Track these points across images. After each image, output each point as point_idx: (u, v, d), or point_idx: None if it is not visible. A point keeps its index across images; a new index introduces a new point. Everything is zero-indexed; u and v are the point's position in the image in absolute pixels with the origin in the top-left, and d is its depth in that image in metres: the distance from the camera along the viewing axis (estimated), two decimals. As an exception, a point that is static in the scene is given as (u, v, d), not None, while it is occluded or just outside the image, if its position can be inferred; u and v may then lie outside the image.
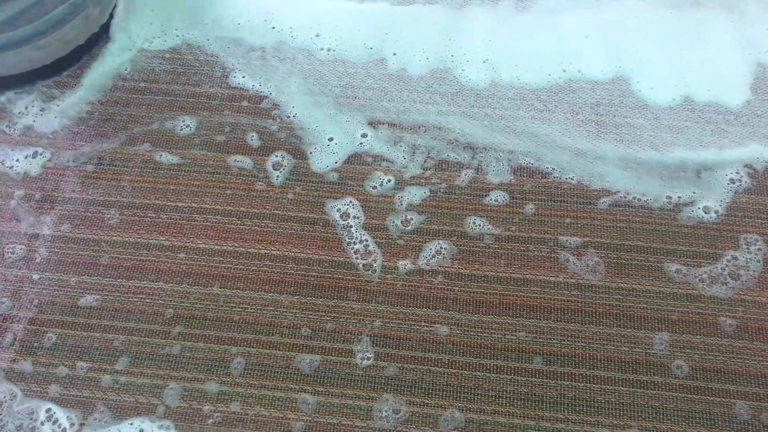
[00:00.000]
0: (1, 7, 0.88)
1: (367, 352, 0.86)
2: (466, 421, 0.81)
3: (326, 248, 0.93)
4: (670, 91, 1.02)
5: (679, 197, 0.94)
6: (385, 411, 0.82)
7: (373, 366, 0.85)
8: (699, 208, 0.93)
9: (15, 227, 0.97)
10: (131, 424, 0.83)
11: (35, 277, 0.94)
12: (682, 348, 0.84)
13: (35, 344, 0.89)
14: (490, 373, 0.84)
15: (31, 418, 0.85)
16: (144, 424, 0.83)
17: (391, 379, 0.84)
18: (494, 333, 0.86)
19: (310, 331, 0.88)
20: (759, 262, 0.89)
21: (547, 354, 0.85)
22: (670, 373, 0.82)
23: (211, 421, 0.83)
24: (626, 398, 0.81)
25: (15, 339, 0.89)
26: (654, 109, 1.01)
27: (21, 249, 0.95)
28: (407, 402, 0.83)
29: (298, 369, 0.86)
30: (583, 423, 0.80)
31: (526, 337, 0.86)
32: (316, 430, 0.82)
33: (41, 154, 1.02)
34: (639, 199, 0.94)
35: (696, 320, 0.85)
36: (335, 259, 0.93)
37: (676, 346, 0.84)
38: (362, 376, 0.85)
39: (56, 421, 0.84)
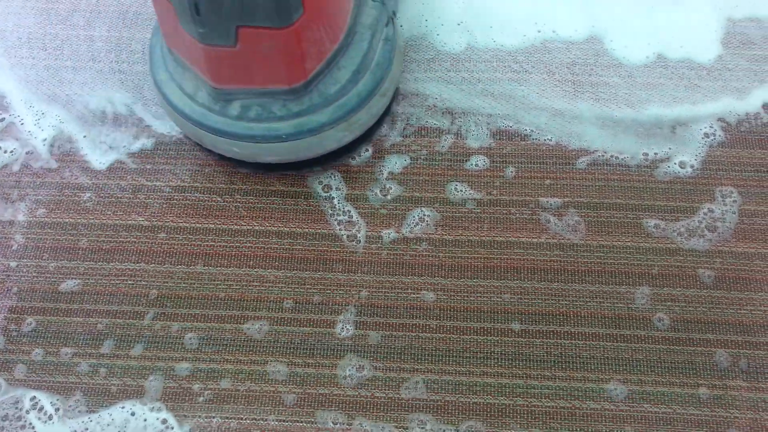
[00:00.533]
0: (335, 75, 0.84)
1: (353, 322, 0.86)
2: (455, 384, 0.82)
3: (309, 221, 0.93)
4: (643, 49, 1.03)
5: (656, 153, 0.95)
6: (373, 377, 0.83)
7: (361, 335, 0.86)
8: (675, 164, 0.94)
9: (-12, 215, 0.95)
10: (122, 407, 0.83)
11: (12, 264, 0.92)
12: (662, 301, 0.86)
13: (16, 332, 0.87)
14: (477, 335, 0.85)
15: (16, 408, 0.84)
16: (135, 407, 0.83)
17: (379, 347, 0.85)
18: (480, 296, 0.87)
19: (297, 304, 0.88)
20: (734, 213, 0.91)
21: (531, 314, 0.86)
22: (652, 326, 0.84)
23: (201, 399, 0.83)
24: (611, 353, 0.83)
25: (-4, 328, 0.88)
26: (628, 67, 1.02)
27: (-4, 237, 0.94)
28: (397, 368, 0.84)
29: (287, 342, 0.86)
30: (569, 379, 0.82)
31: (511, 298, 0.87)
32: (308, 401, 0.82)
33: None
34: (616, 157, 0.95)
35: (675, 273, 0.87)
36: (319, 231, 0.93)
37: (657, 300, 0.86)
38: (351, 345, 0.85)
39: (42, 408, 0.83)
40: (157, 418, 0.82)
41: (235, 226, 0.93)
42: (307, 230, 0.93)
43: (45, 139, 1.00)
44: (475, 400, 0.81)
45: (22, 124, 1.02)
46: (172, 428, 0.81)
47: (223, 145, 0.89)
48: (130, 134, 1.01)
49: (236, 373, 0.84)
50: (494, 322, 0.86)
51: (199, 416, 0.82)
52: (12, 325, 0.88)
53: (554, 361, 0.83)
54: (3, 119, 1.02)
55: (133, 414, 0.83)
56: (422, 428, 0.80)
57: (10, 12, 1.12)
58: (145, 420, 0.82)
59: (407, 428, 0.80)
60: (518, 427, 0.80)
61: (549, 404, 0.81)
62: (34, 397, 0.84)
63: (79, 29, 1.11)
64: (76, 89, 1.05)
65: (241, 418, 0.82)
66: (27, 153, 0.99)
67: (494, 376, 0.83)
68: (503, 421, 0.80)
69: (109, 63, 1.07)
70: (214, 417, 0.82)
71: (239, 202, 0.95)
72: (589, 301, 0.86)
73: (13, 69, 1.07)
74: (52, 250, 0.93)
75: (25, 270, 0.92)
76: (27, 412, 0.83)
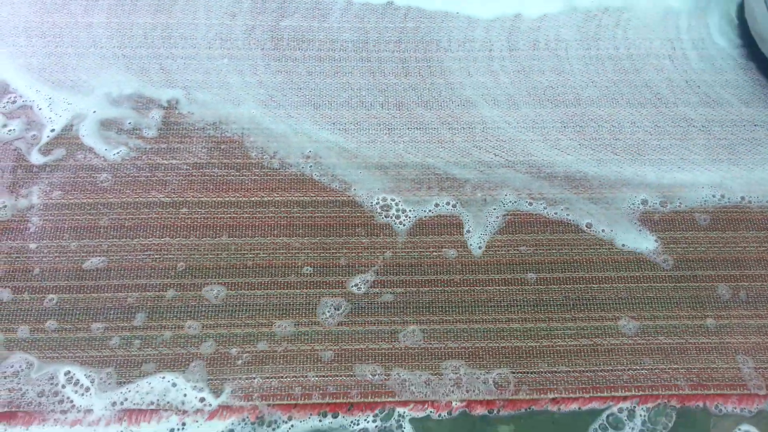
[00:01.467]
0: None
1: (379, 282, 0.90)
2: (483, 331, 0.87)
3: (329, 189, 0.96)
4: None
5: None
6: (408, 332, 0.87)
7: (389, 293, 0.89)
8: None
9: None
10: (163, 377, 0.84)
11: (32, 246, 0.92)
12: (667, 244, 0.93)
13: (45, 311, 0.87)
14: (499, 286, 0.90)
15: (51, 383, 0.84)
16: (175, 378, 0.84)
17: (409, 303, 0.89)
18: (499, 250, 0.92)
19: (324, 268, 0.91)
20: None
21: (548, 263, 0.91)
22: (659, 267, 0.91)
23: (240, 362, 0.85)
24: (623, 293, 0.89)
25: (22, 309, 0.87)
26: None
27: (13, 219, 0.93)
28: (427, 321, 0.88)
29: (317, 304, 0.89)
30: (589, 319, 0.88)
31: (528, 250, 0.93)
32: (345, 357, 0.85)
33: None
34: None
35: (675, 218, 0.95)
36: (339, 198, 0.96)
37: (662, 243, 0.93)
38: (379, 302, 0.89)
39: (77, 382, 0.83)
40: (194, 387, 0.83)
41: (256, 198, 0.96)
42: (327, 198, 0.96)
43: (55, 124, 1.00)
44: (504, 344, 0.86)
45: (32, 109, 1.01)
46: (210, 405, 0.82)
47: None
48: (141, 116, 1.02)
49: (272, 336, 0.87)
50: (514, 273, 0.91)
51: (240, 378, 0.84)
52: (38, 304, 0.88)
53: (572, 305, 0.89)
54: (13, 103, 1.01)
55: (174, 385, 0.83)
56: (456, 373, 0.84)
57: (3, 1, 1.12)
58: (185, 395, 0.83)
59: (442, 375, 0.84)
60: (546, 366, 0.85)
61: (572, 343, 0.86)
62: (69, 371, 0.84)
63: (77, 17, 1.11)
64: (82, 74, 1.05)
65: (282, 377, 0.84)
66: (36, 137, 0.99)
67: (519, 321, 0.88)
68: (531, 361, 0.85)
69: (112, 48, 1.08)
70: (254, 377, 0.84)
71: (257, 176, 0.97)
72: (600, 248, 0.92)
73: (12, 58, 1.06)
74: (72, 230, 0.93)
75: (46, 251, 0.91)
76: (63, 386, 0.83)
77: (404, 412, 0.82)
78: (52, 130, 1.00)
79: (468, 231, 0.93)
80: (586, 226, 0.93)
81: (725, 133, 1.01)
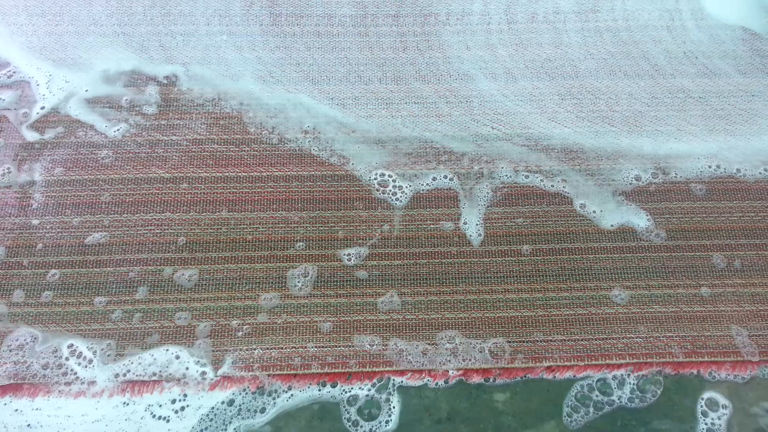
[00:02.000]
0: None
1: (377, 254, 0.91)
2: (480, 301, 0.88)
3: (327, 164, 0.97)
4: None
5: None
6: (402, 302, 0.88)
7: (387, 266, 0.90)
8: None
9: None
10: (167, 350, 0.86)
11: (35, 222, 0.93)
12: (661, 214, 0.93)
13: (48, 286, 0.89)
14: (496, 257, 0.91)
15: (55, 356, 0.85)
16: (178, 351, 0.85)
17: (406, 274, 0.90)
18: (495, 223, 0.93)
19: (322, 241, 0.92)
20: (718, 135, 0.99)
21: (544, 234, 0.92)
22: (654, 237, 0.92)
23: (240, 333, 0.86)
24: (619, 263, 0.90)
25: (25, 283, 0.89)
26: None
27: (13, 196, 0.94)
28: (424, 292, 0.89)
29: (317, 276, 0.90)
30: (584, 289, 0.89)
31: (524, 221, 0.93)
32: (344, 328, 0.87)
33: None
34: (608, 92, 1.02)
35: (670, 189, 0.95)
36: (337, 173, 0.97)
37: (656, 213, 0.93)
38: (377, 275, 0.90)
39: (81, 354, 0.85)
40: (197, 362, 0.85)
41: (256, 173, 0.97)
42: (325, 172, 0.97)
43: (56, 101, 1.01)
44: (500, 314, 0.87)
45: (33, 86, 1.02)
46: (211, 376, 0.84)
47: None
48: (141, 93, 1.02)
49: (272, 308, 0.88)
50: (510, 245, 0.92)
51: (240, 349, 0.85)
52: (41, 279, 0.89)
53: (568, 275, 0.90)
54: (11, 80, 1.02)
55: (178, 357, 0.85)
56: (452, 343, 0.86)
57: (3, -19, 1.12)
58: (187, 368, 0.84)
59: (438, 345, 0.86)
60: (541, 335, 0.86)
61: (568, 312, 0.87)
62: (72, 344, 0.86)
63: (76, -5, 1.11)
64: (81, 53, 1.06)
65: (281, 348, 0.86)
66: (38, 114, 1.00)
67: (515, 292, 0.89)
68: (527, 330, 0.86)
69: (111, 26, 1.09)
70: (254, 348, 0.86)
71: (256, 151, 0.98)
72: (597, 218, 0.93)
73: (13, 36, 1.07)
74: (74, 206, 0.94)
75: (48, 226, 0.93)
76: (66, 359, 0.85)
77: (402, 381, 0.84)
78: (42, 107, 1.01)
79: (465, 204, 0.94)
80: (580, 206, 0.93)
81: (722, 104, 1.01)
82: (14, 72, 1.03)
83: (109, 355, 0.85)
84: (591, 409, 0.82)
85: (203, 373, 0.84)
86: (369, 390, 0.83)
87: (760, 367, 0.84)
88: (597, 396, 0.82)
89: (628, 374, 0.83)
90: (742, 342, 0.85)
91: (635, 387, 0.83)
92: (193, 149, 0.98)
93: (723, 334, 0.86)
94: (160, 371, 0.84)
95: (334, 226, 0.93)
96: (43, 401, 0.82)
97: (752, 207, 0.93)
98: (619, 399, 0.82)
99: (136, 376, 0.84)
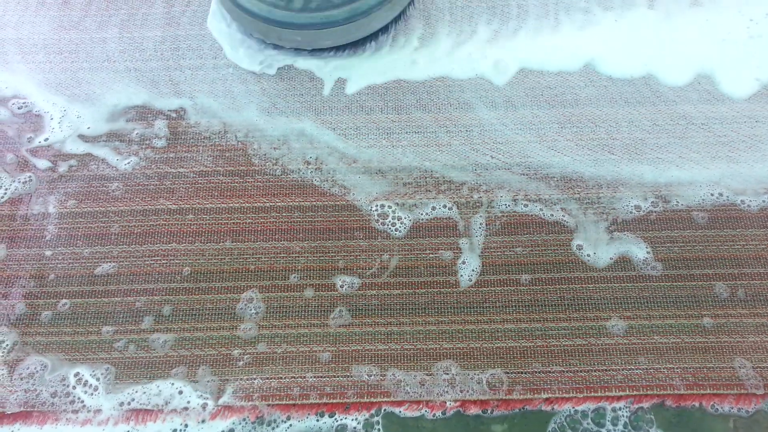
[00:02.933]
0: None
1: (377, 283, 0.92)
2: (479, 332, 0.88)
3: (328, 195, 0.99)
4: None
5: (645, 113, 1.02)
6: (400, 332, 0.89)
7: (386, 295, 0.91)
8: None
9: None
10: (172, 384, 0.87)
11: (48, 253, 0.97)
12: (662, 243, 0.92)
13: (57, 316, 0.92)
14: (495, 287, 0.91)
15: (63, 384, 0.88)
16: (183, 386, 0.87)
17: (405, 304, 0.90)
18: (494, 252, 0.93)
19: (323, 271, 0.94)
20: (721, 161, 0.98)
21: (543, 263, 0.92)
22: (655, 266, 0.91)
23: (241, 363, 0.88)
24: (619, 293, 0.90)
25: (36, 313, 0.92)
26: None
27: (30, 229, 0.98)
28: (422, 322, 0.89)
29: (317, 306, 0.91)
30: (583, 319, 0.88)
31: (523, 251, 0.93)
32: (342, 358, 0.88)
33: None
34: (610, 119, 1.02)
35: (672, 217, 0.94)
36: (338, 203, 0.98)
37: (657, 242, 0.93)
38: (377, 305, 0.91)
39: (87, 382, 0.88)
40: (199, 395, 0.86)
41: (259, 204, 0.99)
42: (327, 203, 0.98)
43: (69, 136, 1.05)
44: (499, 345, 0.87)
45: (47, 119, 1.06)
46: (212, 406, 0.86)
47: (288, 36, 1.04)
48: (150, 126, 1.06)
49: (272, 338, 0.90)
50: (509, 274, 0.92)
51: (241, 378, 0.87)
52: (52, 309, 0.92)
53: (567, 305, 0.89)
54: (26, 115, 1.07)
55: (180, 392, 0.87)
56: (448, 374, 0.86)
57: (24, 21, 1.17)
58: (188, 401, 0.86)
59: (436, 375, 0.86)
60: (539, 365, 0.86)
61: (566, 343, 0.87)
62: (78, 372, 0.88)
63: (92, 32, 1.16)
64: (95, 88, 1.10)
65: (281, 378, 0.87)
66: (51, 149, 1.04)
67: (514, 322, 0.89)
68: (525, 361, 0.86)
69: (124, 62, 1.13)
70: (254, 378, 0.87)
71: (259, 182, 1.01)
72: (596, 250, 0.93)
73: (32, 73, 1.12)
74: (85, 237, 0.98)
75: (60, 257, 0.96)
76: (73, 387, 0.88)
77: (400, 411, 0.84)
78: (53, 140, 1.05)
79: (464, 233, 0.95)
80: (577, 248, 0.93)
81: (725, 130, 1.00)
82: (28, 104, 1.08)
83: (114, 384, 0.87)
84: (589, 442, 0.81)
85: (204, 404, 0.86)
86: (352, 420, 0.84)
87: (765, 401, 0.82)
88: (588, 424, 0.82)
89: (623, 407, 0.83)
90: (746, 374, 0.84)
91: (628, 422, 0.82)
92: (200, 181, 1.01)
93: (726, 366, 0.84)
94: (164, 401, 0.86)
95: (335, 256, 0.95)
96: (52, 429, 0.85)
97: (756, 235, 0.92)
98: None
99: (140, 404, 0.86)
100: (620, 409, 0.83)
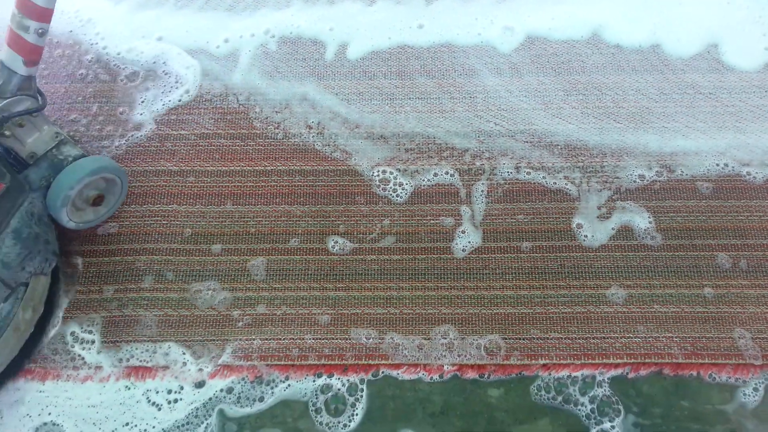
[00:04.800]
0: None
1: (377, 249, 0.92)
2: (478, 297, 0.88)
3: (330, 159, 0.98)
4: None
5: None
6: (400, 296, 0.89)
7: (386, 260, 0.91)
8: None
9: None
10: (169, 346, 0.88)
11: (50, 213, 0.97)
12: (665, 212, 0.92)
13: (60, 275, 0.92)
14: (495, 254, 0.91)
15: (63, 342, 0.88)
16: (181, 347, 0.88)
17: (405, 269, 0.90)
18: (496, 219, 0.93)
19: (323, 235, 0.93)
20: (728, 132, 0.97)
21: (544, 231, 0.92)
22: (655, 237, 0.91)
23: (241, 324, 0.88)
24: (620, 262, 0.89)
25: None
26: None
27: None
28: (421, 287, 0.89)
29: (317, 270, 0.91)
30: (583, 287, 0.88)
31: (525, 218, 0.93)
32: (341, 321, 0.88)
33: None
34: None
35: (676, 187, 0.93)
36: (339, 168, 0.98)
37: (661, 212, 0.92)
38: (377, 269, 0.91)
39: (82, 341, 0.88)
40: (197, 356, 0.87)
41: (260, 167, 0.99)
42: (328, 167, 0.98)
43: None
44: (497, 311, 0.87)
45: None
46: (210, 365, 0.86)
47: None
48: (150, 89, 1.05)
49: (271, 300, 0.90)
50: (510, 241, 0.91)
51: (240, 339, 0.87)
52: (55, 268, 0.93)
53: (568, 273, 0.89)
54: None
55: (183, 354, 0.87)
56: (445, 338, 0.86)
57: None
58: (187, 359, 0.87)
59: (433, 339, 0.86)
60: (538, 332, 0.86)
61: (566, 310, 0.87)
62: (74, 332, 0.89)
63: None
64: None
65: (280, 339, 0.87)
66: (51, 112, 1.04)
67: (513, 288, 0.89)
68: (523, 327, 0.86)
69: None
70: (254, 339, 0.87)
71: (261, 146, 1.00)
72: (600, 216, 0.92)
73: None
74: (86, 197, 0.97)
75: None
76: (72, 345, 0.88)
77: (398, 374, 0.84)
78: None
79: (465, 200, 0.94)
80: (576, 226, 0.92)
81: (733, 100, 0.98)
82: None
83: (119, 342, 0.87)
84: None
85: (203, 363, 0.86)
86: (336, 379, 0.84)
87: (762, 371, 0.82)
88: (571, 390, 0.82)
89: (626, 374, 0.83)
90: (745, 344, 0.83)
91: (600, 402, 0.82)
92: (201, 143, 1.01)
93: (725, 336, 0.84)
94: (164, 358, 0.87)
95: (336, 220, 0.94)
96: (53, 385, 0.86)
97: (760, 206, 0.91)
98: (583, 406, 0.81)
99: (139, 362, 0.86)
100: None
